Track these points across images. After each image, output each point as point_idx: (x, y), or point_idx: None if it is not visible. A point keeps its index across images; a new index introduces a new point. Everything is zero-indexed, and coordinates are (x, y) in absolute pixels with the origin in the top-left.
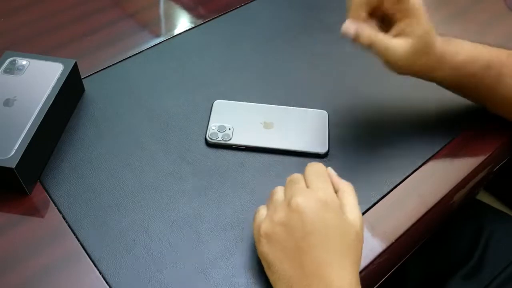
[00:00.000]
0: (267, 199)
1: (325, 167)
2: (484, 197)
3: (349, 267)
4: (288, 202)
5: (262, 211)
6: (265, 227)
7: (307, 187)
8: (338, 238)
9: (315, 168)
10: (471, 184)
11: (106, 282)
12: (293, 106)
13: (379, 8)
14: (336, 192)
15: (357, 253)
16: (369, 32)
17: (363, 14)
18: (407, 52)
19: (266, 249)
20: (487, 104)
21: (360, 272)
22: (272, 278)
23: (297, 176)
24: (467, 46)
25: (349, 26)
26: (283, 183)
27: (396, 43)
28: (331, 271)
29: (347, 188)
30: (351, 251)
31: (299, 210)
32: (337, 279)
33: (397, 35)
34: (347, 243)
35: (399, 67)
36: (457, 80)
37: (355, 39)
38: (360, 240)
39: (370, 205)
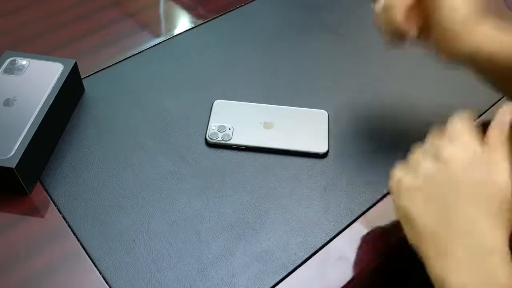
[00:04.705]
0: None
1: (469, 122)
2: None
3: (501, 229)
4: (435, 153)
5: (400, 167)
6: (408, 179)
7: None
8: (489, 196)
9: (460, 123)
10: None
11: (106, 282)
12: (293, 106)
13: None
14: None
15: (508, 214)
16: None
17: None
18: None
19: (407, 203)
20: None
21: (360, 272)
22: (410, 235)
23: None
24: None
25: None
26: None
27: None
28: (483, 229)
29: (497, 146)
30: (502, 211)
31: (448, 161)
32: (491, 238)
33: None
34: (498, 202)
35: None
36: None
37: None
38: (509, 202)
39: (371, 205)
